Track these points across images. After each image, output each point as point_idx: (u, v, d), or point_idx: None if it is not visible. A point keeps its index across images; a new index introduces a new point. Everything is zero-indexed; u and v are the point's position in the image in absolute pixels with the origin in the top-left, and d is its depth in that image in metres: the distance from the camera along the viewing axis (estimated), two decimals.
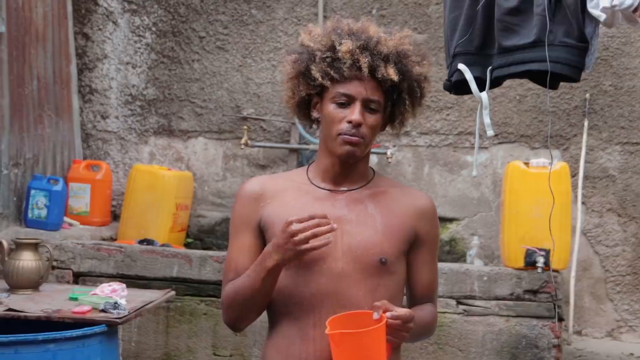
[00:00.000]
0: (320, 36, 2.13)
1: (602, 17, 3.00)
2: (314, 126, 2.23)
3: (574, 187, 5.27)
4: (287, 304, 2.09)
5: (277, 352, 2.12)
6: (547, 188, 4.79)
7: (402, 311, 1.97)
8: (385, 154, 5.66)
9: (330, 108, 2.10)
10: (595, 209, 5.56)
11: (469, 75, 3.17)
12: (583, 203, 5.44)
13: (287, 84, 2.19)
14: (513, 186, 4.80)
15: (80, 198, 5.59)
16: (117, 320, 3.27)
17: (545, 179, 4.82)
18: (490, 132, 3.21)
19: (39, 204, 5.16)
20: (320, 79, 2.09)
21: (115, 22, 6.12)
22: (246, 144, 5.78)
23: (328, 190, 2.15)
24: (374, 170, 2.24)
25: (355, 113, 2.07)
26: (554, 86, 3.29)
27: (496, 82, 3.27)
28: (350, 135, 2.08)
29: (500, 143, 5.71)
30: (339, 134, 2.08)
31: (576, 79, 3.16)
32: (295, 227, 1.96)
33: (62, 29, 5.83)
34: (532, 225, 4.69)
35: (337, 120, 2.09)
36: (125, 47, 6.11)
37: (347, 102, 2.09)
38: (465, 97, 5.74)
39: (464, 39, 3.19)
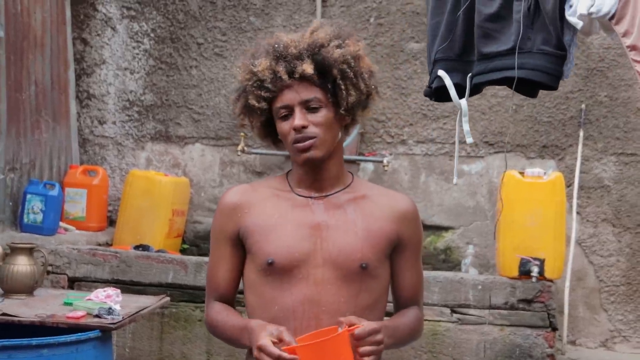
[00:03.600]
0: (243, 67, 2.20)
1: (579, 24, 3.01)
2: None
3: (569, 197, 5.28)
4: (269, 310, 2.11)
5: None
6: (542, 198, 4.84)
7: (366, 326, 1.96)
8: (381, 162, 5.68)
9: (279, 124, 2.15)
10: (590, 219, 5.58)
11: (448, 82, 3.16)
12: (578, 213, 5.45)
13: (244, 122, 2.26)
14: (508, 195, 4.81)
15: (77, 203, 5.59)
16: (111, 325, 3.27)
17: (540, 188, 4.86)
18: (469, 140, 3.21)
19: (34, 209, 5.17)
20: (257, 103, 2.15)
21: (113, 28, 6.13)
22: (243, 151, 5.79)
23: (307, 196, 2.17)
24: (352, 175, 2.25)
25: (295, 119, 2.11)
26: (533, 94, 3.26)
27: (476, 90, 3.25)
28: (301, 141, 2.11)
29: (496, 152, 5.72)
30: (293, 144, 2.13)
31: (554, 87, 3.15)
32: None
33: (61, 34, 5.84)
34: (526, 234, 4.71)
35: (286, 133, 2.13)
36: (124, 52, 6.12)
37: (288, 112, 2.13)
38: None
39: (445, 45, 3.17)
